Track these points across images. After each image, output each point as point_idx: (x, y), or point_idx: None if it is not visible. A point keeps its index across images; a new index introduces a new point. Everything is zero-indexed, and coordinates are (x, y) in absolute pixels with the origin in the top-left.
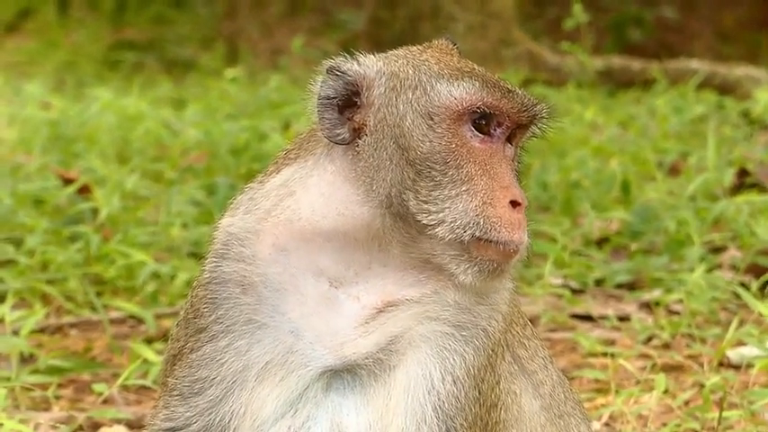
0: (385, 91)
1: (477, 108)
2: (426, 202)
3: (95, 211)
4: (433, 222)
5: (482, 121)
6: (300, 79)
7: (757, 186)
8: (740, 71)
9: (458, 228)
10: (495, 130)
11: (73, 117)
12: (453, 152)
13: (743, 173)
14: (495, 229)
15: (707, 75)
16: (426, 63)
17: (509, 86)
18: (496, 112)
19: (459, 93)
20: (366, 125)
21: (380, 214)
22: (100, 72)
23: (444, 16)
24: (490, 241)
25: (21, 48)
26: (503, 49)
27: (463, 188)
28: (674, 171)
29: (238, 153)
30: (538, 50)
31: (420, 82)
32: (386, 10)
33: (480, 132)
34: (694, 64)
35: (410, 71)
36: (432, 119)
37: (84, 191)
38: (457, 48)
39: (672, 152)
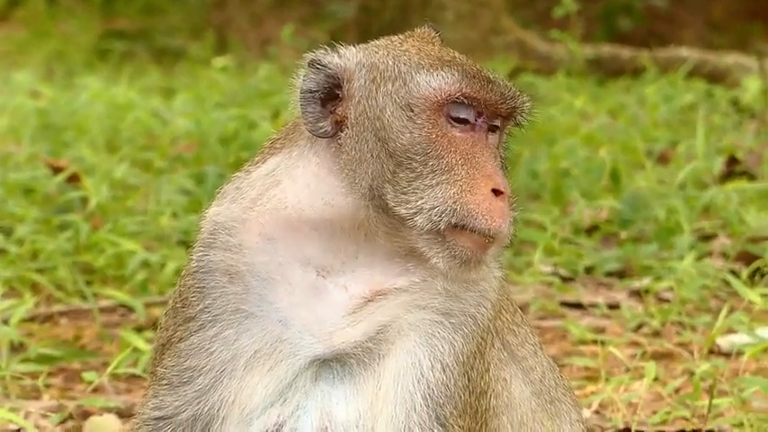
0: (365, 83)
1: (456, 98)
2: (405, 194)
3: (85, 200)
4: (411, 212)
5: (462, 110)
6: (290, 68)
7: (746, 174)
8: (730, 59)
9: (434, 215)
10: (476, 119)
11: (62, 106)
12: (434, 142)
13: (732, 161)
14: (473, 216)
15: (696, 63)
16: (407, 53)
17: (490, 76)
18: (475, 103)
19: (438, 83)
20: (347, 118)
21: (364, 206)
22: (89, 61)
23: (434, 5)
24: (466, 228)
25: (10, 37)
26: (492, 38)
27: (443, 177)
28: (663, 159)
29: (227, 142)
30: (527, 39)
31: (399, 73)
32: None
33: (461, 122)
34: (684, 52)
35: (390, 62)
36: (411, 110)
37: (74, 180)
38: (440, 36)
39: (661, 140)
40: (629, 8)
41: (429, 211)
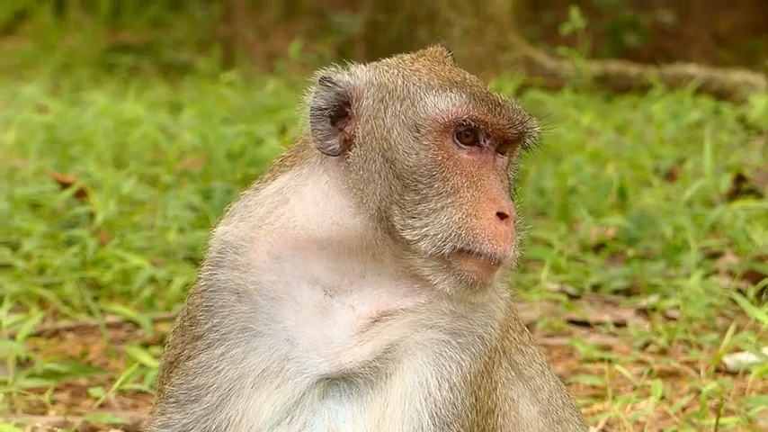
0: (373, 102)
1: (463, 121)
2: (411, 217)
3: (92, 216)
4: (416, 238)
5: (470, 133)
6: (297, 83)
7: (754, 192)
8: (737, 76)
9: (439, 241)
10: (484, 141)
11: (69, 121)
12: (440, 164)
13: (739, 179)
14: (478, 241)
15: (704, 80)
16: (417, 73)
17: (499, 99)
18: (482, 126)
19: (446, 105)
20: (356, 137)
21: (372, 227)
22: (96, 75)
23: (441, 21)
24: (471, 252)
25: (17, 50)
26: (499, 54)
27: (449, 200)
28: (670, 177)
29: (234, 158)
30: (534, 55)
31: (408, 93)
32: (382, 14)
33: (468, 144)
34: (691, 69)
35: (399, 81)
36: (418, 131)
37: (81, 195)
38: (452, 55)
39: (668, 158)
40: (635, 24)
41: (434, 236)
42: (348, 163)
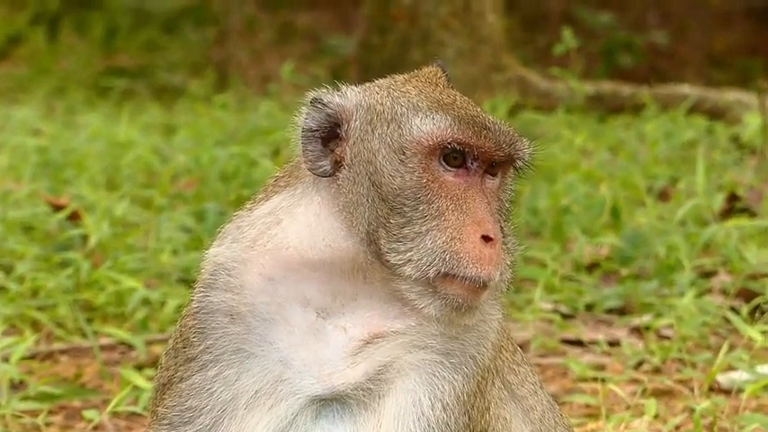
0: (361, 125)
1: (448, 144)
2: (396, 241)
3: (85, 238)
4: (400, 262)
5: (457, 155)
6: (290, 105)
7: (747, 211)
8: (730, 96)
9: (423, 265)
10: (471, 164)
11: (63, 143)
12: (424, 187)
13: (733, 198)
14: (462, 265)
15: (697, 100)
16: (406, 95)
17: (486, 122)
18: (468, 149)
19: (430, 128)
20: (345, 158)
21: (363, 251)
22: (90, 98)
23: (434, 42)
24: (456, 276)
25: (11, 74)
26: (493, 75)
27: (433, 224)
28: (663, 196)
29: (228, 179)
30: (528, 76)
31: (395, 115)
32: (375, 35)
33: (456, 166)
34: (684, 89)
35: (387, 103)
36: (404, 153)
37: (74, 217)
38: (446, 75)
39: (662, 177)
40: (629, 45)
41: (418, 261)
42: (338, 185)
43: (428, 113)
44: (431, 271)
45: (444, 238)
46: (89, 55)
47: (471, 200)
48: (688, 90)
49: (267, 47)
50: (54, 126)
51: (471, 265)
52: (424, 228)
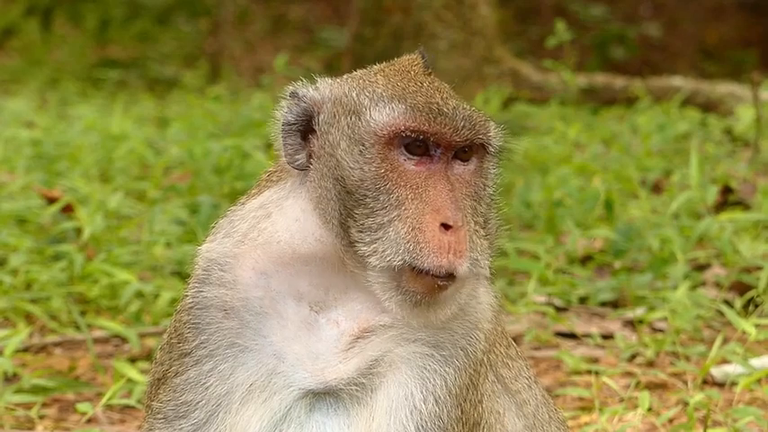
0: (327, 117)
1: (402, 133)
2: (362, 231)
3: (79, 231)
4: (367, 253)
5: (420, 143)
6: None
7: (741, 204)
8: (723, 89)
9: (389, 256)
10: (434, 151)
11: (56, 136)
12: (383, 177)
13: (726, 190)
14: (423, 255)
15: (690, 92)
16: (372, 85)
17: (443, 108)
18: (422, 137)
19: (384, 118)
20: (314, 151)
21: (338, 243)
22: (83, 90)
23: (427, 34)
24: (420, 270)
25: (4, 66)
26: (486, 67)
27: (395, 214)
28: (657, 189)
29: (221, 172)
30: (521, 68)
31: (356, 107)
32: (369, 28)
33: (419, 155)
34: (677, 81)
35: (353, 94)
36: (362, 144)
37: (68, 210)
38: (426, 62)
39: (655, 170)
40: (622, 37)
41: (383, 252)
42: (311, 178)
43: (386, 103)
44: (396, 262)
45: (406, 228)
46: (82, 46)
47: (432, 187)
48: (681, 82)
49: (260, 38)
50: (47, 118)
51: (432, 255)
52: (386, 218)
